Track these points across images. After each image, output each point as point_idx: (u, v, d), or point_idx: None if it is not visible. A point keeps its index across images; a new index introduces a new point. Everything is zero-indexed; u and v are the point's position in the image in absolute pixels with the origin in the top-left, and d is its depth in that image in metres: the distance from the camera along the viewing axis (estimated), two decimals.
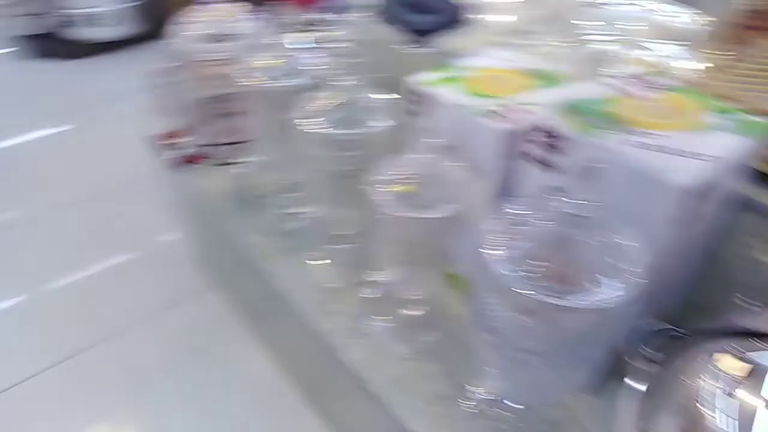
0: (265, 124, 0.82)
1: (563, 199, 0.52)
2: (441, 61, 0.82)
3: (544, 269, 0.50)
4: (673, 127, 0.60)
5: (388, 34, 0.89)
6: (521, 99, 0.71)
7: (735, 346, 0.47)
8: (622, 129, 0.60)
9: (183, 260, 1.34)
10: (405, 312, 0.78)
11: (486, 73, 0.77)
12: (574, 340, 0.51)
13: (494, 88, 0.74)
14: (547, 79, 0.76)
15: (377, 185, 0.65)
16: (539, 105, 0.70)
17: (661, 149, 0.57)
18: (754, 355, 0.46)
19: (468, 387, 0.69)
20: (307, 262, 0.88)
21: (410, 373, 0.74)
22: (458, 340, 0.76)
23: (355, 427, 0.92)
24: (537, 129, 0.62)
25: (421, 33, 0.84)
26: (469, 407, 0.69)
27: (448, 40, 0.87)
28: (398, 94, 0.75)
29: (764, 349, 0.46)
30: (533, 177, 0.65)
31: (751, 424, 0.42)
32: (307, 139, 0.73)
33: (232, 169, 0.98)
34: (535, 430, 0.66)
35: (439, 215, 0.62)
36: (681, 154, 0.57)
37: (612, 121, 0.61)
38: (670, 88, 0.66)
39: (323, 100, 0.74)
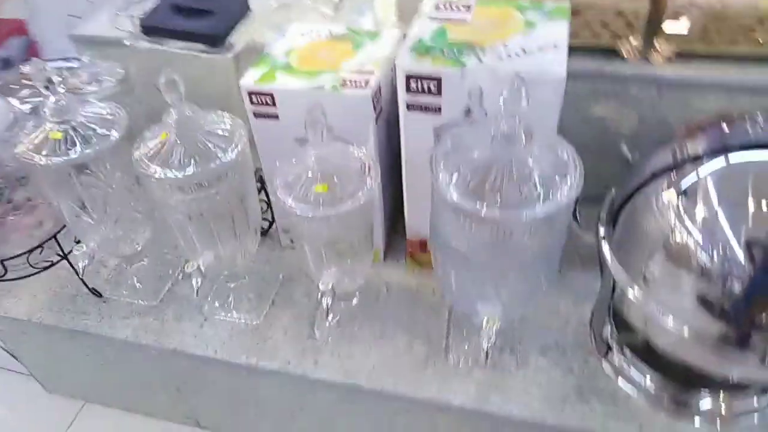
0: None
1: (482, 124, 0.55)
2: (245, 59, 0.76)
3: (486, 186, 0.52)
4: (509, 34, 0.66)
5: (167, 52, 0.78)
6: (354, 63, 0.71)
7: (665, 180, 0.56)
8: (475, 51, 0.64)
9: None
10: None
11: (303, 53, 0.74)
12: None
13: (322, 62, 0.72)
14: (359, 37, 0.77)
15: (284, 192, 0.59)
16: (376, 62, 0.71)
17: (522, 54, 0.62)
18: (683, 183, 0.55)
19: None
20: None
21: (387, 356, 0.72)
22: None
23: None
24: (412, 77, 0.62)
25: (207, 38, 0.77)
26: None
27: (237, 37, 0.80)
28: (223, 110, 0.68)
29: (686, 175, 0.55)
30: (421, 123, 0.66)
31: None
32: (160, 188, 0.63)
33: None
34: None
35: (358, 203, 0.59)
36: (540, 51, 0.63)
37: (463, 48, 0.64)
38: (477, 3, 0.72)
39: (153, 143, 0.63)
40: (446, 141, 0.57)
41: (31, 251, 0.74)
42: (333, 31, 0.78)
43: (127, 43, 0.73)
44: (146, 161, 0.61)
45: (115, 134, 0.66)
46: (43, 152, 0.64)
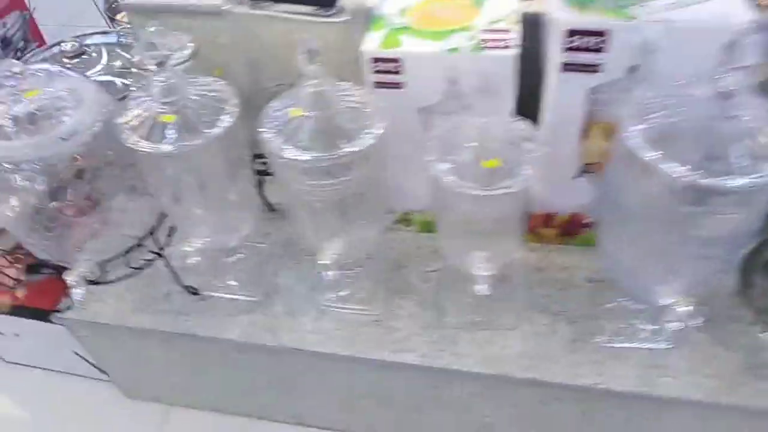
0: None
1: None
2: (354, 23, 0.67)
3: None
4: None
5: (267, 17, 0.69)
6: (483, 20, 0.63)
7: None
8: (635, 1, 0.57)
9: None
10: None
11: (419, 12, 0.66)
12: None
13: (446, 21, 0.64)
14: None
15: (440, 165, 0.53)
16: (508, 19, 0.64)
17: (679, 5, 0.56)
18: None
19: None
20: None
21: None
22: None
23: None
24: (574, 33, 0.55)
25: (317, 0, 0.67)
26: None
27: None
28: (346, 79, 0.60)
29: None
30: (574, 84, 0.59)
31: None
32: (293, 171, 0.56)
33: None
34: None
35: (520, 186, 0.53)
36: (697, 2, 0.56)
37: None
38: None
39: (282, 120, 0.56)
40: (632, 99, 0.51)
41: (129, 250, 0.66)
42: None
43: (224, 7, 0.65)
44: (278, 141, 0.54)
45: (229, 115, 0.58)
46: (152, 138, 0.56)
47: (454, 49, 0.60)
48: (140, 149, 0.55)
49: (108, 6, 1.17)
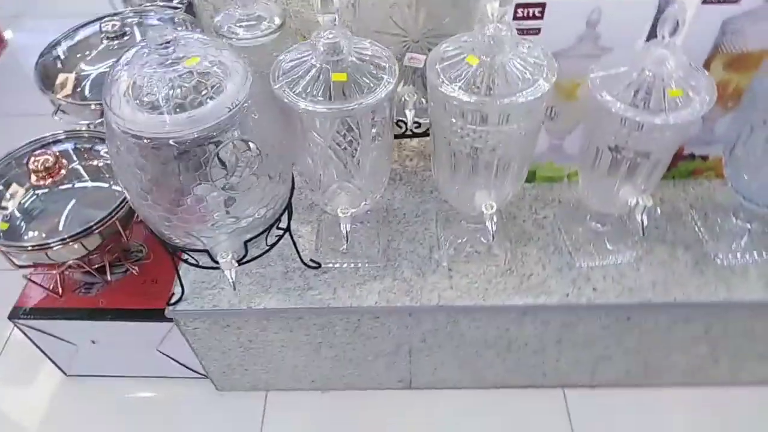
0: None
1: None
2: None
3: None
4: None
5: None
6: None
7: None
8: None
9: None
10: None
11: None
12: None
13: None
14: None
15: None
16: None
17: None
18: None
19: None
20: None
21: None
22: None
23: None
24: None
25: None
26: None
27: None
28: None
29: None
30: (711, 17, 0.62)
31: None
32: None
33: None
34: None
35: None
36: None
37: None
38: None
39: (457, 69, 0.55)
40: None
41: (269, 228, 0.62)
42: None
43: None
44: (454, 88, 0.54)
45: (390, 75, 0.56)
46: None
47: None
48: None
49: None
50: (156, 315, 0.75)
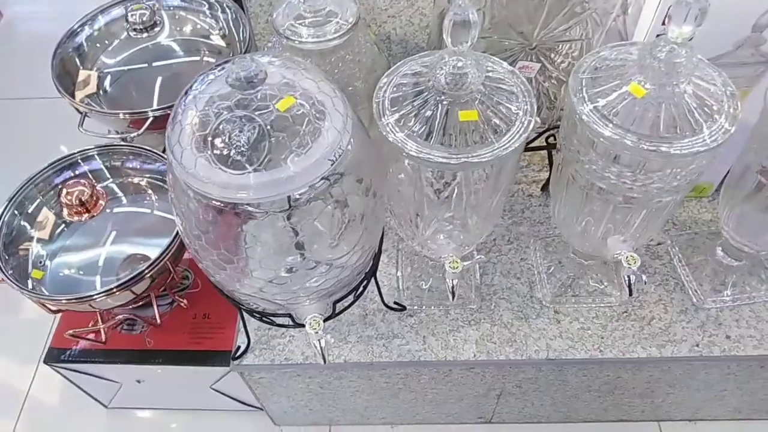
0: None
1: None
2: None
3: None
4: None
5: None
6: None
7: None
8: None
9: None
10: None
11: None
12: None
13: None
14: None
15: None
16: None
17: None
18: None
19: None
20: None
21: None
22: None
23: None
24: None
25: None
26: None
27: None
28: None
29: None
30: None
31: None
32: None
33: None
34: None
35: None
36: None
37: None
38: None
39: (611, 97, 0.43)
40: None
41: (360, 283, 0.52)
42: None
43: None
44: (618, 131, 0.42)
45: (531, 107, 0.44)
46: None
47: None
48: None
49: None
50: (212, 358, 0.66)
